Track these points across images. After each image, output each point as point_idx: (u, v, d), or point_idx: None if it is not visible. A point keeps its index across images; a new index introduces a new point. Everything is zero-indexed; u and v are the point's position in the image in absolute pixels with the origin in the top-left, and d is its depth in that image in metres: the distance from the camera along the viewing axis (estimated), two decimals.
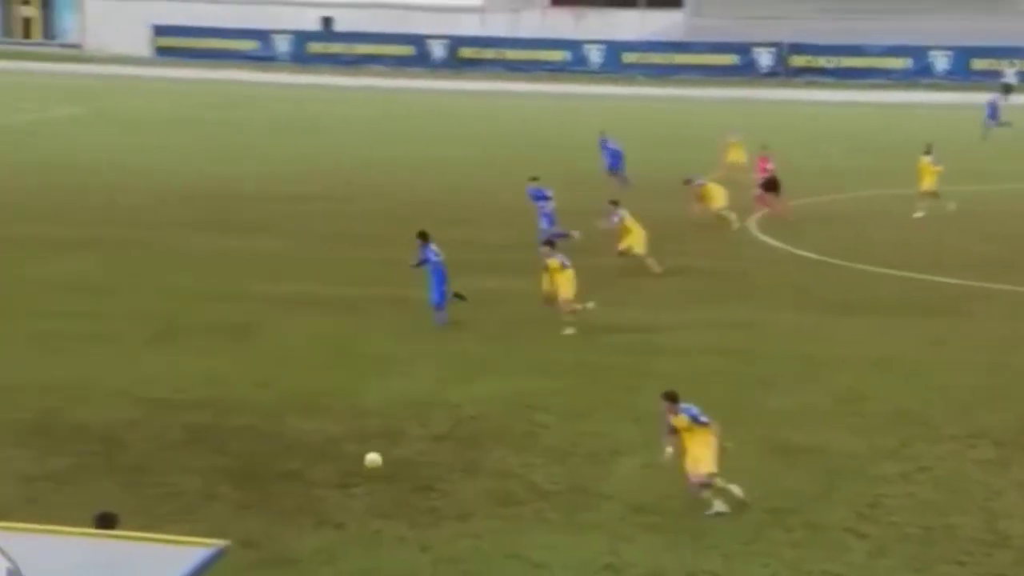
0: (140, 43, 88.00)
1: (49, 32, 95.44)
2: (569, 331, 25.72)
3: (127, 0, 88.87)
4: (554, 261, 25.84)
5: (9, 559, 9.98)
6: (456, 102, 69.59)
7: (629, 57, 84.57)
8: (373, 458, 19.19)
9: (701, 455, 17.27)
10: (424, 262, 26.00)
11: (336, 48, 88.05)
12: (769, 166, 38.80)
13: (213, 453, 19.47)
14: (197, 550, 9.94)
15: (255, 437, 20.18)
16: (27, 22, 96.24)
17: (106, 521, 12.79)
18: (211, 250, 27.55)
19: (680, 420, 17.45)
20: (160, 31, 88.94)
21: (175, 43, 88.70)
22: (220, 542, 10.05)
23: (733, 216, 35.51)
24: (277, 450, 19.63)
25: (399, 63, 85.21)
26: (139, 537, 10.25)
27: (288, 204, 39.31)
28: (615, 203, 31.22)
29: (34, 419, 20.74)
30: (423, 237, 26.18)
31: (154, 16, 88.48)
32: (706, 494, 17.37)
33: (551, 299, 25.90)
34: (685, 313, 27.57)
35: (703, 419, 17.36)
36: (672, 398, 17.58)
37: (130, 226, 35.43)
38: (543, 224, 32.67)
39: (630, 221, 30.70)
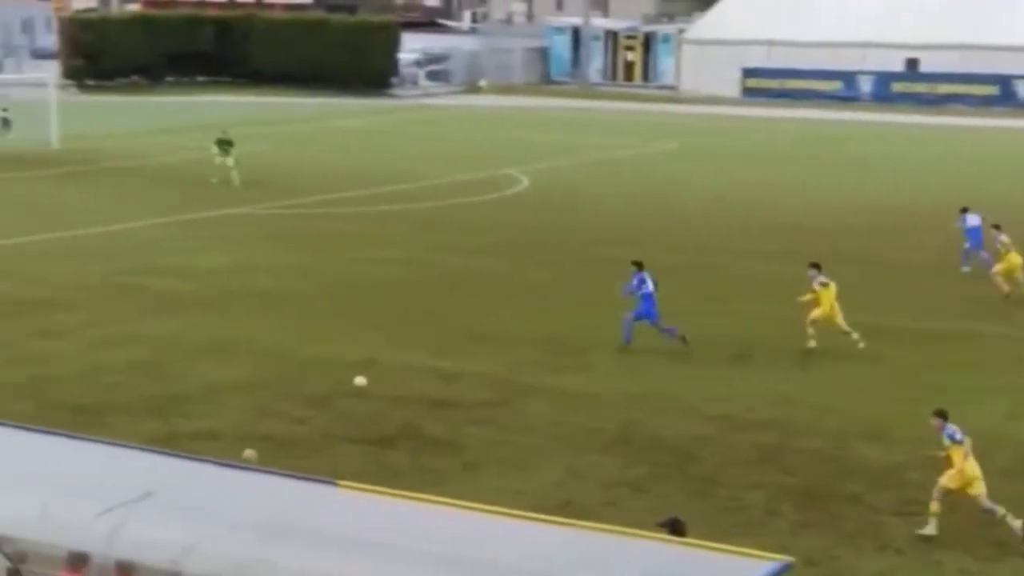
0: (730, 85, 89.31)
1: (649, 75, 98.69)
2: (811, 344, 25.50)
3: (719, 45, 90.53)
4: (820, 284, 25.77)
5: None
6: None
7: None
8: (360, 380, 22.49)
9: (951, 471, 17.08)
10: (634, 290, 25.93)
11: (919, 87, 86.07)
12: None
13: (778, 472, 19.41)
14: (763, 564, 9.89)
15: (819, 459, 19.95)
16: (629, 66, 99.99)
17: (676, 527, 12.93)
18: (786, 279, 27.59)
19: (944, 438, 17.15)
20: (748, 73, 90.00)
21: (761, 84, 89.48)
22: (785, 558, 9.96)
23: None
24: (840, 473, 19.32)
25: (983, 102, 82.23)
26: (709, 546, 10.31)
27: (862, 236, 38.75)
28: (997, 227, 31.28)
29: (618, 429, 21.39)
30: (638, 266, 26.16)
31: (744, 59, 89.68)
32: (933, 507, 16.84)
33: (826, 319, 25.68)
34: None
35: (957, 438, 17.05)
36: (942, 415, 17.31)
37: (713, 253, 35.98)
38: (969, 245, 33.11)
39: (1006, 247, 30.45)
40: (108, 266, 33.07)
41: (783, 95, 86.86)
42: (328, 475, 12.84)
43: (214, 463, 11.89)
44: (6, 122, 59.01)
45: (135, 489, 10.86)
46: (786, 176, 52.86)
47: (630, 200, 46.04)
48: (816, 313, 25.87)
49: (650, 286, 25.99)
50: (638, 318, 26.07)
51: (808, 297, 26.07)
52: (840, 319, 25.85)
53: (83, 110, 70.63)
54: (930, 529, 16.98)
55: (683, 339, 25.84)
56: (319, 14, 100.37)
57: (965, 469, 16.98)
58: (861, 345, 25.65)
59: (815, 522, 17.54)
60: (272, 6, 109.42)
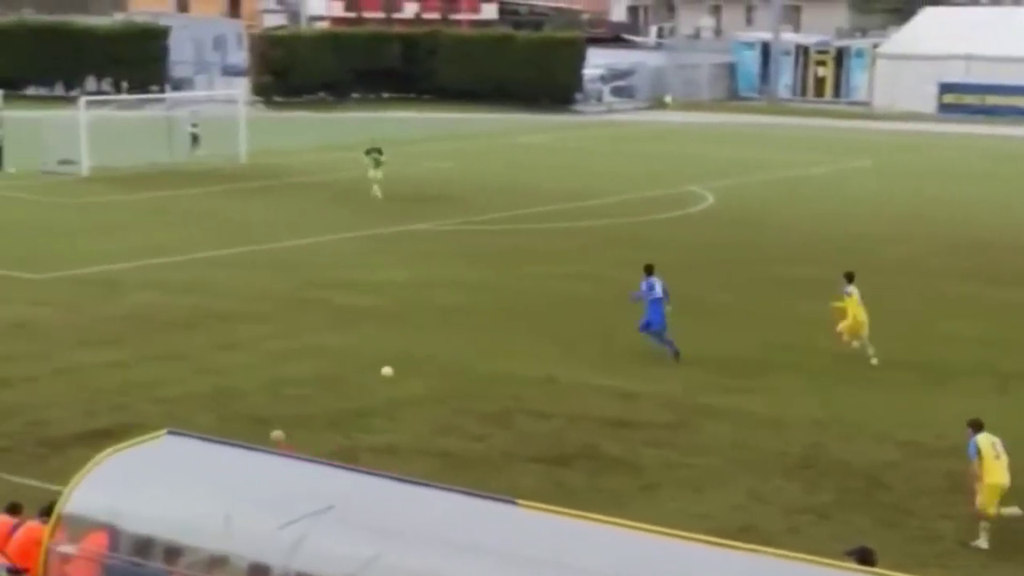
0: (926, 100, 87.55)
1: (840, 90, 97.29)
2: (873, 360, 25.73)
3: (915, 60, 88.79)
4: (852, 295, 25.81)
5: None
6: None
7: None
8: (387, 371, 24.09)
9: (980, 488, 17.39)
10: (643, 296, 26.03)
11: None
12: None
13: (971, 502, 18.85)
14: None
15: (1014, 490, 19.33)
16: (820, 81, 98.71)
17: (865, 557, 12.69)
18: (981, 298, 26.87)
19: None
20: (945, 88, 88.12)
21: (960, 100, 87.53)
22: None
23: None
24: None
25: None
26: None
27: None
28: None
29: (803, 453, 21.10)
30: (648, 271, 26.24)
31: (941, 75, 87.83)
32: (982, 523, 17.03)
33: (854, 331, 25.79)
34: None
35: (969, 451, 17.45)
36: (972, 426, 17.67)
37: (906, 272, 35.24)
38: None
39: None
40: (292, 280, 33.78)
41: (982, 111, 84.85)
42: (506, 493, 12.89)
43: (394, 478, 12.02)
44: (196, 138, 60.69)
45: (316, 502, 11.04)
46: (984, 193, 51.65)
47: (820, 218, 45.40)
48: (844, 324, 26.19)
49: (658, 292, 26.04)
50: (645, 328, 26.22)
51: (841, 304, 26.32)
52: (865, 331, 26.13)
53: (271, 126, 72.34)
54: (982, 542, 17.25)
55: (676, 356, 25.93)
56: (505, 30, 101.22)
57: (985, 479, 17.32)
58: (874, 362, 25.76)
59: (1009, 555, 17.04)
60: (458, 22, 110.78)
